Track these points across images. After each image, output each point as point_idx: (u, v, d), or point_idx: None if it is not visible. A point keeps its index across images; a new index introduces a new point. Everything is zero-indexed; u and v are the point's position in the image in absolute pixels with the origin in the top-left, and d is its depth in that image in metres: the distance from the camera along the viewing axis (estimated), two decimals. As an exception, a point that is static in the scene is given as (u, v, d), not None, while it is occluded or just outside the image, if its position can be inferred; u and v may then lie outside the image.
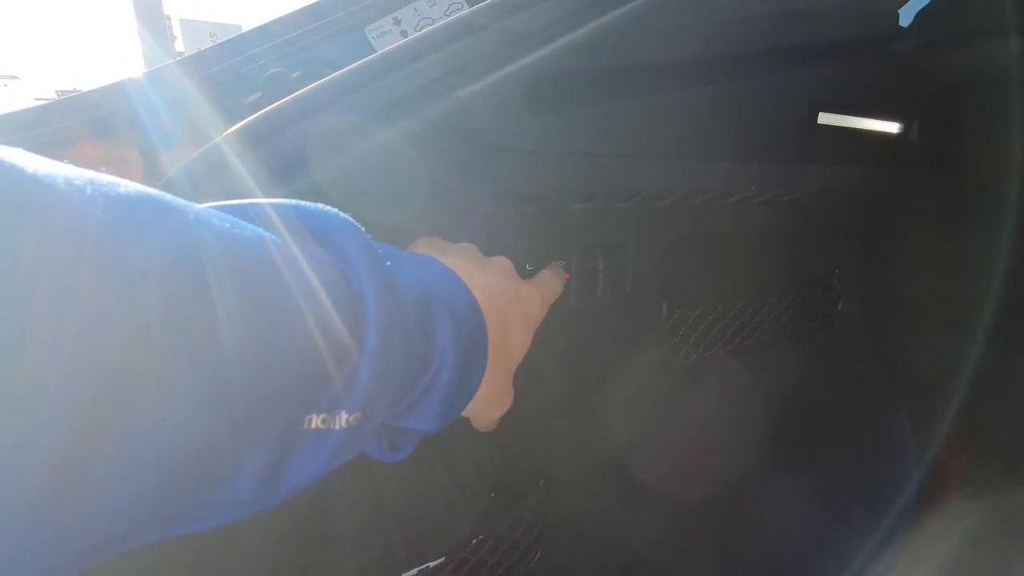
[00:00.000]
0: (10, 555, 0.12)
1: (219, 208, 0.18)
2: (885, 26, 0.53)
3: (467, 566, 0.45)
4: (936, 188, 0.63)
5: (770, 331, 0.64)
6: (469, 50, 0.33)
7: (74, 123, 0.47)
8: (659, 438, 0.57)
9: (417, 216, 0.34)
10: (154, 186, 0.26)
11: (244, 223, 0.17)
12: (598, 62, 0.36)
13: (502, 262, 0.31)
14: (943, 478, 0.70)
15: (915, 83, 0.56)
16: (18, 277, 0.11)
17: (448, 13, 0.61)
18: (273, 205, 0.20)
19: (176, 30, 6.29)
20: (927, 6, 0.55)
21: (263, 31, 0.56)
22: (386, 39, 0.58)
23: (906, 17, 0.55)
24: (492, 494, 0.46)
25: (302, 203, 0.20)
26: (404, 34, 0.60)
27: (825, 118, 0.48)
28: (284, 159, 0.29)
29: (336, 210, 0.21)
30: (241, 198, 0.27)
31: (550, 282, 0.35)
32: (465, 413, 0.29)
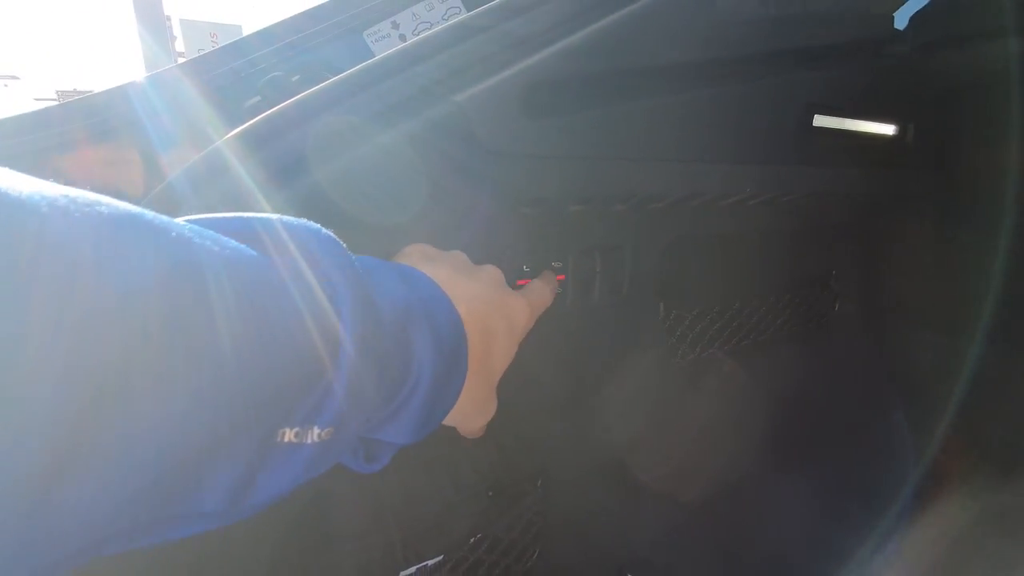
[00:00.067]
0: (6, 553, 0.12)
1: (202, 223, 0.18)
2: (880, 29, 0.53)
3: (465, 565, 0.45)
4: (933, 190, 0.63)
5: (767, 332, 0.64)
6: (467, 54, 0.33)
7: (76, 126, 0.47)
8: (656, 438, 0.58)
9: (416, 218, 0.34)
10: (156, 189, 0.26)
11: (224, 239, 0.18)
12: (594, 66, 0.36)
13: (491, 271, 0.31)
14: (940, 478, 0.70)
15: (910, 86, 0.56)
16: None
17: (446, 17, 0.61)
18: (254, 220, 0.20)
19: (176, 30, 6.29)
20: (922, 9, 0.55)
21: (263, 35, 0.56)
22: (385, 43, 0.59)
23: (901, 20, 0.55)
24: (490, 493, 0.46)
25: (284, 218, 0.21)
26: (403, 38, 0.60)
27: (821, 120, 0.49)
28: (284, 162, 0.29)
29: (318, 225, 0.21)
30: (241, 201, 0.28)
31: (540, 292, 0.35)
32: (448, 422, 0.29)
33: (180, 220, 0.17)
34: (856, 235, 0.71)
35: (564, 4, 0.35)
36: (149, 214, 0.16)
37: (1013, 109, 0.54)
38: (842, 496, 0.71)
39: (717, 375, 0.60)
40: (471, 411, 0.29)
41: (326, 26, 0.57)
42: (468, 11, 0.34)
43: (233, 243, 0.18)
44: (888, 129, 0.55)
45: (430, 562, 0.43)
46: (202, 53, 0.56)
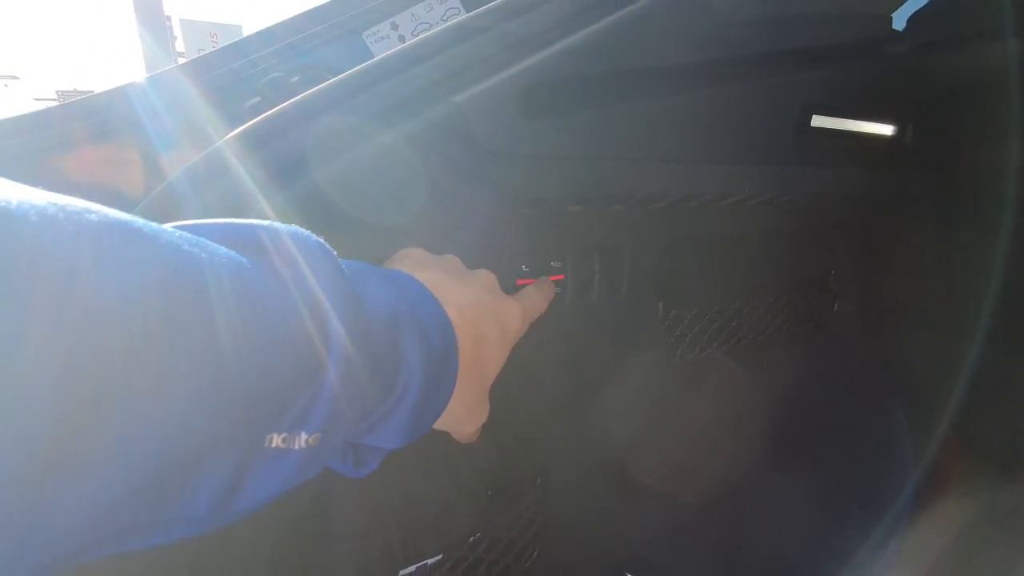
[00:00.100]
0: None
1: (192, 229, 0.18)
2: (879, 30, 0.53)
3: (464, 564, 0.46)
4: (932, 190, 0.63)
5: (766, 331, 0.64)
6: (466, 55, 0.33)
7: (77, 127, 0.48)
8: (655, 438, 0.58)
9: (415, 218, 0.34)
10: (156, 189, 0.26)
11: (214, 246, 0.18)
12: (593, 67, 0.36)
13: (484, 276, 0.32)
14: (939, 478, 0.70)
15: (909, 86, 0.56)
16: None
17: (445, 18, 0.61)
18: (244, 227, 0.20)
19: (176, 31, 6.29)
20: (920, 10, 0.55)
21: (263, 35, 0.56)
22: (384, 44, 0.59)
23: (900, 21, 0.55)
24: (489, 492, 0.46)
25: (273, 224, 0.21)
26: (402, 39, 0.60)
27: (819, 121, 0.49)
28: (284, 162, 0.29)
29: (307, 231, 0.22)
30: (241, 201, 0.28)
31: (534, 298, 0.35)
32: (441, 427, 0.29)
33: (169, 227, 0.17)
34: (855, 235, 0.71)
35: (563, 5, 0.35)
36: (139, 221, 0.16)
37: (1012, 109, 0.54)
38: (841, 496, 0.72)
39: (716, 375, 0.60)
40: (463, 416, 0.29)
41: (326, 27, 0.57)
42: (467, 12, 0.34)
43: (223, 250, 0.18)
44: (887, 129, 0.55)
45: (429, 561, 0.43)
46: (202, 53, 0.56)
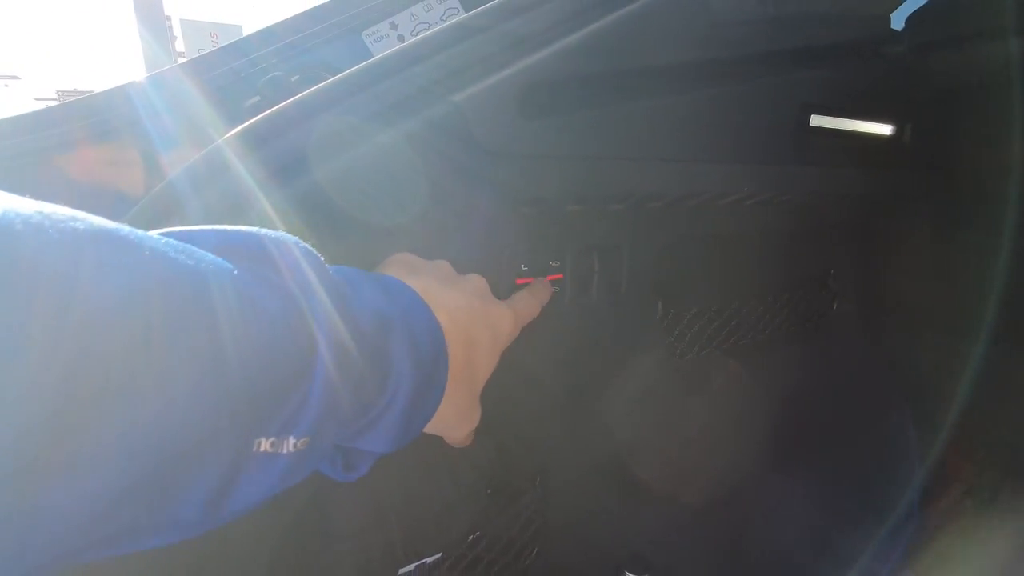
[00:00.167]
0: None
1: (179, 236, 0.18)
2: (877, 29, 0.54)
3: (464, 562, 0.46)
4: (931, 190, 0.63)
5: (765, 331, 0.64)
6: (465, 55, 0.33)
7: (77, 126, 0.48)
8: (654, 437, 0.58)
9: (414, 217, 0.34)
10: (156, 188, 0.26)
11: (201, 253, 0.18)
12: (592, 66, 0.36)
13: (474, 280, 0.32)
14: (939, 478, 0.70)
15: (907, 86, 0.56)
16: None
17: (444, 18, 0.61)
18: (231, 233, 0.20)
19: (176, 30, 6.30)
20: (919, 10, 0.55)
21: (263, 35, 0.56)
22: (383, 44, 0.59)
23: (898, 21, 0.55)
24: (489, 491, 0.47)
25: (261, 231, 0.21)
26: (401, 39, 0.60)
27: (818, 120, 0.49)
28: (284, 161, 0.29)
29: (295, 238, 0.22)
30: (241, 199, 0.28)
31: (526, 302, 0.36)
32: (432, 431, 0.29)
33: (156, 233, 0.17)
34: (854, 235, 0.71)
35: (562, 4, 0.35)
36: (125, 229, 0.16)
37: (1011, 109, 0.54)
38: (840, 496, 0.72)
39: (715, 374, 0.60)
40: (454, 419, 0.30)
41: (325, 26, 0.57)
42: (466, 12, 0.35)
43: (210, 256, 0.18)
44: (885, 129, 0.55)
45: (428, 560, 0.43)
46: (202, 53, 0.56)
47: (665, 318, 0.55)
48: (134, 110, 0.49)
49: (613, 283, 0.47)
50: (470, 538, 0.46)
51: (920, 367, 0.74)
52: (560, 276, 0.43)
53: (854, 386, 0.75)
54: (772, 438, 0.65)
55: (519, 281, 0.41)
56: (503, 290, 0.40)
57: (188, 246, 0.18)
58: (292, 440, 0.19)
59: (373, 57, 0.33)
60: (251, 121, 0.29)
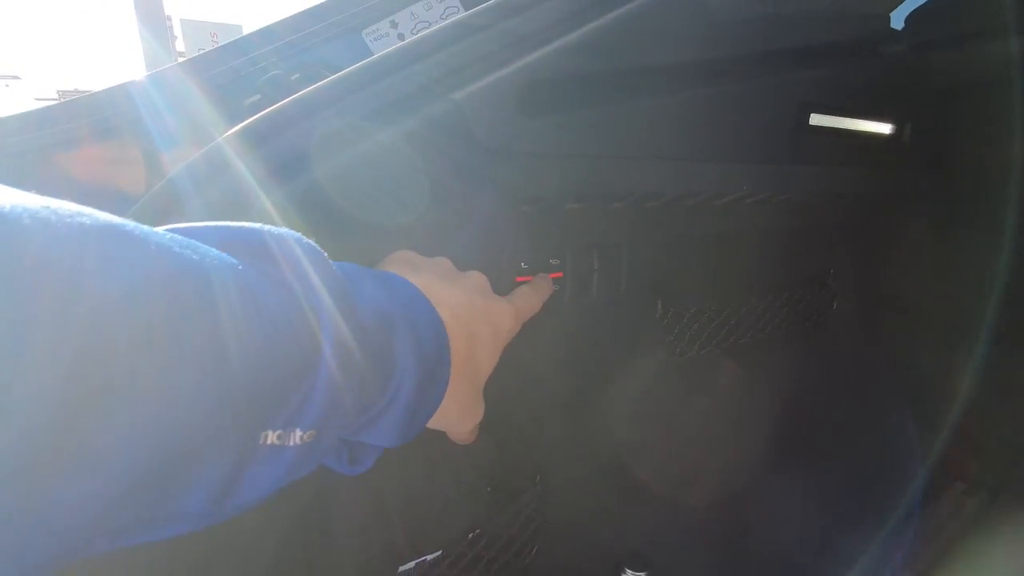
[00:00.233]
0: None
1: (184, 232, 0.19)
2: (877, 28, 0.54)
3: (464, 560, 0.46)
4: (931, 189, 0.63)
5: (765, 330, 0.64)
6: (465, 53, 0.33)
7: (78, 124, 0.48)
8: (654, 435, 0.58)
9: (414, 216, 0.34)
10: (157, 186, 0.26)
11: (206, 248, 0.18)
12: (591, 65, 0.36)
13: (475, 277, 0.32)
14: (939, 478, 0.70)
15: (907, 85, 0.56)
16: None
17: (444, 16, 0.61)
18: (236, 229, 0.20)
19: (177, 30, 6.30)
20: (918, 9, 0.55)
21: (263, 33, 0.57)
22: (383, 42, 0.59)
23: (898, 20, 0.55)
24: (489, 490, 0.47)
25: (265, 227, 0.21)
26: (401, 37, 0.60)
27: (817, 119, 0.49)
28: (284, 159, 0.29)
29: (299, 234, 0.22)
30: (241, 197, 0.28)
31: (527, 298, 0.36)
32: (436, 426, 0.29)
33: (161, 229, 0.17)
34: (854, 234, 0.71)
35: (561, 3, 0.35)
36: (131, 224, 0.16)
37: (1010, 108, 0.54)
38: (839, 495, 0.72)
39: (715, 373, 0.60)
40: (457, 414, 0.30)
41: (325, 25, 0.57)
42: (466, 10, 0.35)
43: (214, 252, 0.18)
44: (885, 128, 0.55)
45: (429, 557, 0.43)
46: (202, 52, 0.56)
47: (665, 316, 0.56)
48: (135, 108, 0.49)
49: (613, 281, 0.47)
50: (470, 536, 0.46)
51: (920, 367, 0.74)
52: (560, 274, 0.43)
53: (854, 385, 0.75)
54: (772, 437, 0.65)
55: (519, 279, 0.41)
56: (503, 288, 0.40)
57: (192, 242, 0.18)
58: (299, 432, 0.19)
59: (373, 56, 0.33)
60: (251, 119, 0.29)
